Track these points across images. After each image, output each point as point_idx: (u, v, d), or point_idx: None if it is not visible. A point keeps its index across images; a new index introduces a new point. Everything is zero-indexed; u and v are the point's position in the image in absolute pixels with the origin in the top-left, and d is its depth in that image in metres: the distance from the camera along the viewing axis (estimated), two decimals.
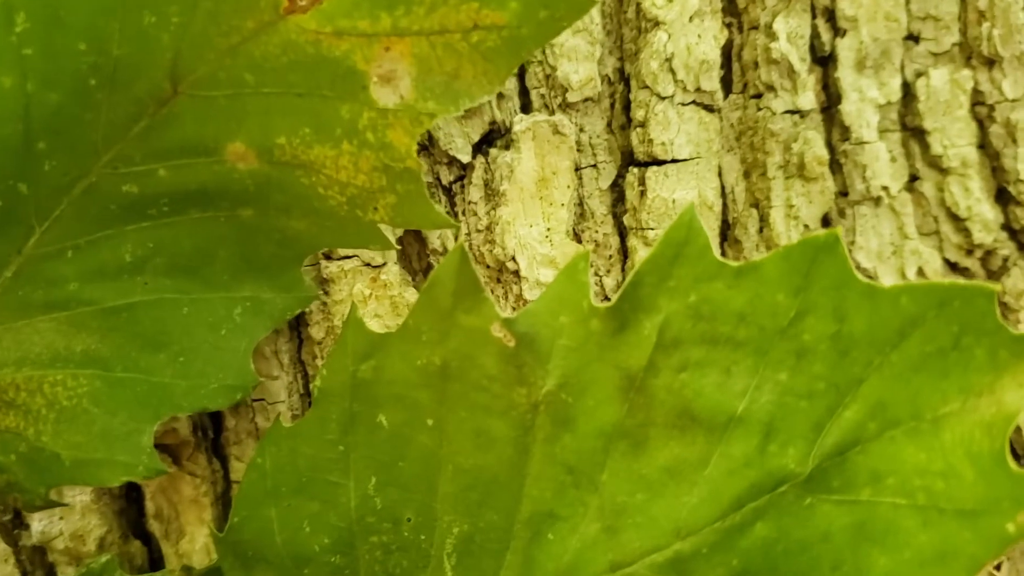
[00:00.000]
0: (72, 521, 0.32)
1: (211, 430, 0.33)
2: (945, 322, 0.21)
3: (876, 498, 0.23)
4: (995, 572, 0.25)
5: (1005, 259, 0.37)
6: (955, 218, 0.36)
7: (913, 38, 0.36)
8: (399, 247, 0.29)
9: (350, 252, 0.32)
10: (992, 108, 0.36)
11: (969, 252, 0.37)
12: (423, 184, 0.26)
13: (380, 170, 0.25)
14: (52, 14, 0.23)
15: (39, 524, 0.32)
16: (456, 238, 0.32)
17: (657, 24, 0.33)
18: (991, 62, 0.36)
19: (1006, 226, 0.37)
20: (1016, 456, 0.35)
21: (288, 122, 0.25)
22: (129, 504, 0.33)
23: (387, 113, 0.24)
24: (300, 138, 0.25)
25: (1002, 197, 0.36)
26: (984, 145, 0.36)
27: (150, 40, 0.24)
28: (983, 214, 0.36)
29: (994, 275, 0.37)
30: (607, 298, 0.33)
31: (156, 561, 0.33)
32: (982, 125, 0.36)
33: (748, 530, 0.24)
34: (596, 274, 0.34)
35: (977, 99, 0.36)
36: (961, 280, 0.21)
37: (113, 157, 0.25)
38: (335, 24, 0.23)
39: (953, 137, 0.36)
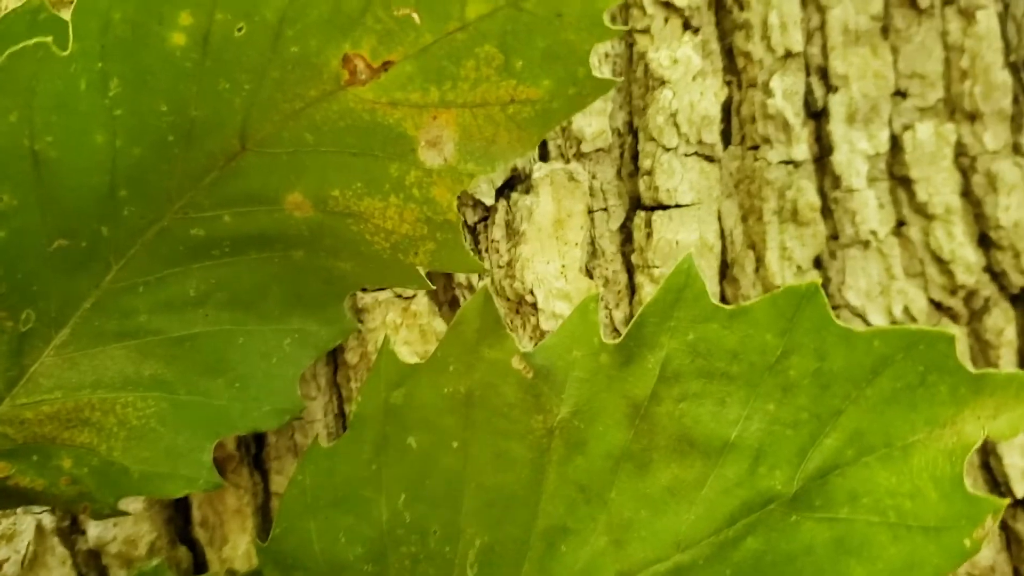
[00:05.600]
0: (125, 528, 0.35)
1: (254, 446, 0.36)
2: (912, 362, 0.24)
3: (853, 516, 0.26)
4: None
5: (986, 299, 0.39)
6: (939, 261, 0.39)
7: (901, 94, 0.39)
8: (433, 286, 0.32)
9: None
10: (974, 159, 0.39)
11: (953, 293, 0.39)
12: (460, 234, 0.29)
13: (423, 221, 0.28)
14: (140, 80, 0.26)
15: (95, 530, 0.35)
16: (480, 277, 0.35)
17: (663, 83, 0.36)
18: (973, 117, 0.39)
19: (987, 268, 0.39)
20: (996, 484, 0.38)
21: (342, 177, 0.28)
22: (177, 512, 0.36)
23: (432, 172, 0.28)
24: (352, 191, 0.28)
25: (984, 242, 0.39)
26: (967, 193, 0.39)
27: (223, 103, 0.27)
28: (966, 257, 0.39)
29: (976, 314, 0.39)
30: (616, 329, 0.36)
31: (200, 566, 0.36)
32: (965, 175, 0.39)
33: (740, 544, 0.27)
34: (606, 307, 0.36)
35: (960, 151, 0.39)
36: (925, 326, 0.24)
37: (184, 204, 0.28)
38: (390, 96, 0.26)
39: (938, 185, 0.39)
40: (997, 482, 0.37)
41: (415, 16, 0.26)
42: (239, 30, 0.26)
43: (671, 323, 0.26)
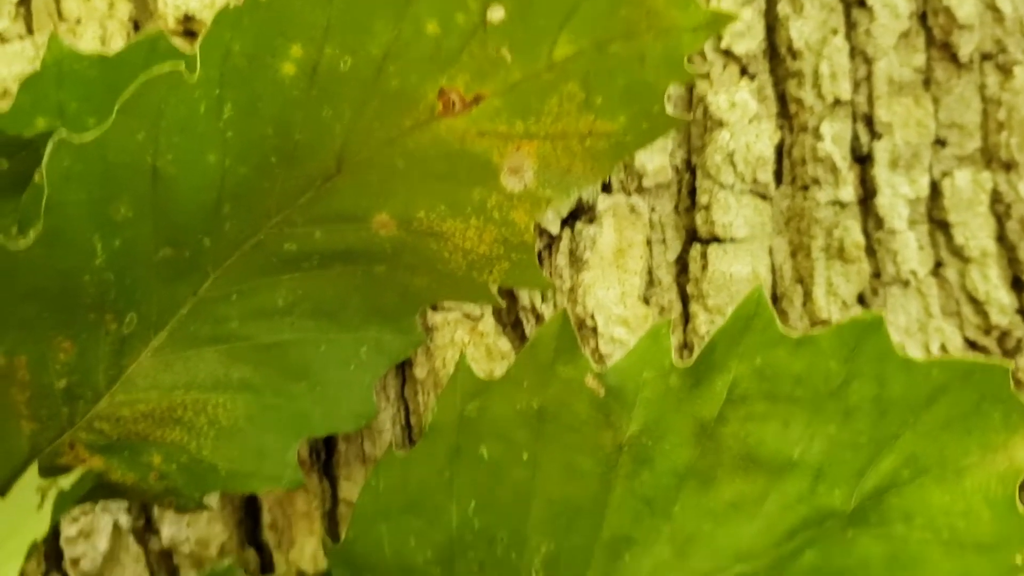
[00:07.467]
0: (198, 528, 0.36)
1: (323, 453, 0.37)
2: (968, 391, 0.26)
3: (907, 533, 0.27)
4: None
5: (1019, 340, 0.41)
6: (975, 302, 0.41)
7: (940, 143, 0.41)
8: (503, 303, 0.33)
9: (453, 304, 0.37)
10: (1009, 206, 0.41)
11: (987, 332, 0.41)
12: (534, 254, 0.30)
13: (500, 242, 0.30)
14: (251, 106, 0.28)
15: (168, 530, 0.36)
16: (543, 297, 0.37)
17: (721, 124, 0.38)
18: (1008, 166, 0.41)
19: (1020, 310, 0.41)
20: None
21: (428, 200, 0.30)
22: (247, 515, 0.38)
23: (512, 197, 0.30)
24: (436, 213, 0.30)
25: (1017, 285, 0.41)
26: (1002, 238, 0.41)
27: (325, 130, 0.29)
28: (1000, 299, 0.40)
29: (1008, 354, 0.41)
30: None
31: (267, 566, 0.37)
32: (1000, 221, 0.41)
33: (799, 556, 0.28)
34: None
35: (996, 198, 0.41)
36: (982, 357, 0.26)
37: (281, 220, 0.30)
38: (479, 126, 0.28)
39: (974, 230, 0.41)
40: None
41: (507, 55, 0.28)
42: (345, 63, 0.28)
43: (740, 348, 0.28)
